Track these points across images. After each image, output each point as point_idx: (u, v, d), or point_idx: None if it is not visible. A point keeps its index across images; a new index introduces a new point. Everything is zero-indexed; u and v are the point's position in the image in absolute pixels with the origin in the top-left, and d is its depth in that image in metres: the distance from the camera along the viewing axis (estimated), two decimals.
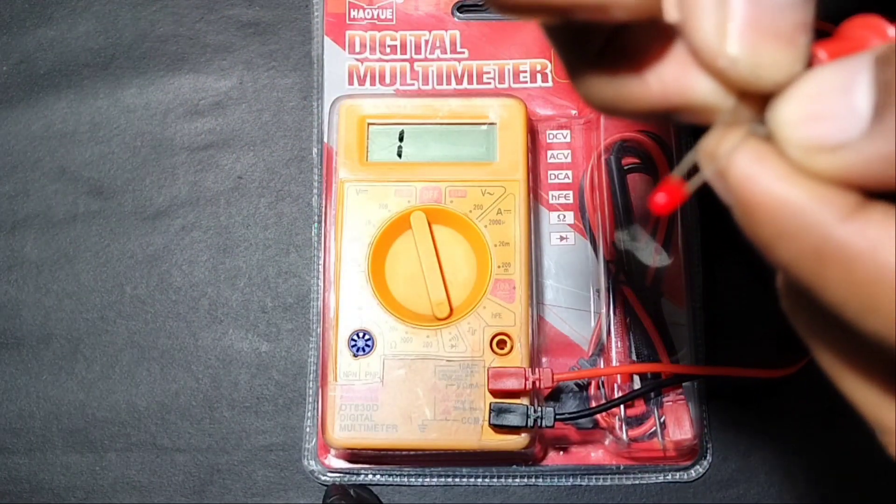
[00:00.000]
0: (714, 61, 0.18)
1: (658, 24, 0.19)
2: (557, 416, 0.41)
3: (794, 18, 0.18)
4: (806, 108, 0.18)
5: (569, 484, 0.45)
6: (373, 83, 0.49)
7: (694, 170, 0.19)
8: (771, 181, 0.18)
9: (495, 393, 0.42)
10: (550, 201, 0.47)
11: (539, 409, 0.41)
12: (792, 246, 0.18)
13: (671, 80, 0.19)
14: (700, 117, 0.19)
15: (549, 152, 0.48)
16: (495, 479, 0.45)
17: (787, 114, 0.18)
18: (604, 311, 0.45)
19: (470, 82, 0.49)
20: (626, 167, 0.46)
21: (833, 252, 0.17)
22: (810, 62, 0.18)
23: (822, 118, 0.17)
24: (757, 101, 0.18)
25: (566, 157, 0.48)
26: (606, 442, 0.45)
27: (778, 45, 0.18)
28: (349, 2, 0.50)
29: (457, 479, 0.45)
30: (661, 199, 0.19)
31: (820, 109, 0.17)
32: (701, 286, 0.46)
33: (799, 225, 0.17)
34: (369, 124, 0.46)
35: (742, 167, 0.18)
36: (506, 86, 0.49)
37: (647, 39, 0.19)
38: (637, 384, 0.44)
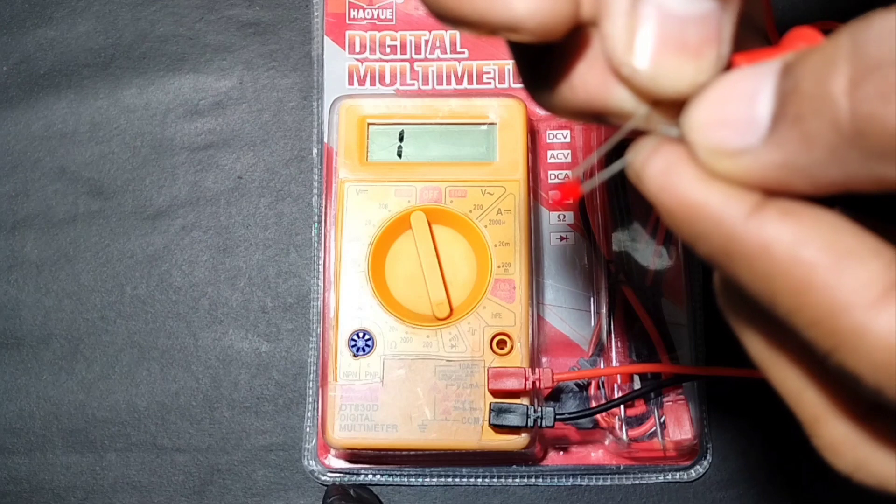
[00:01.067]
0: (619, 70, 0.19)
1: (576, 38, 0.20)
2: (557, 416, 0.41)
3: (701, 33, 0.18)
4: (712, 112, 0.18)
5: (569, 484, 0.45)
6: (373, 83, 0.49)
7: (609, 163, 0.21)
8: (682, 184, 0.19)
9: (495, 393, 0.42)
10: (550, 201, 0.47)
11: (539, 409, 0.41)
12: (706, 244, 0.19)
13: (593, 87, 0.20)
14: (623, 121, 0.20)
15: (549, 152, 0.48)
16: (495, 479, 0.45)
17: (696, 117, 0.19)
18: (604, 311, 0.45)
19: (470, 82, 0.49)
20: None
21: (737, 250, 0.18)
22: (730, 68, 0.19)
23: (725, 123, 0.18)
24: (673, 107, 0.19)
25: (566, 157, 0.48)
26: (606, 442, 0.45)
27: (682, 57, 0.18)
28: (349, 2, 0.50)
29: (457, 479, 0.45)
30: (555, 196, 0.20)
31: (724, 115, 0.18)
32: (701, 286, 0.46)
33: (707, 225, 0.18)
34: (369, 124, 0.46)
35: (656, 171, 0.19)
36: (506, 86, 0.49)
37: (573, 50, 0.20)
38: (637, 384, 0.44)
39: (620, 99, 0.20)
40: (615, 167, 0.21)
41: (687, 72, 0.19)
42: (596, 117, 0.21)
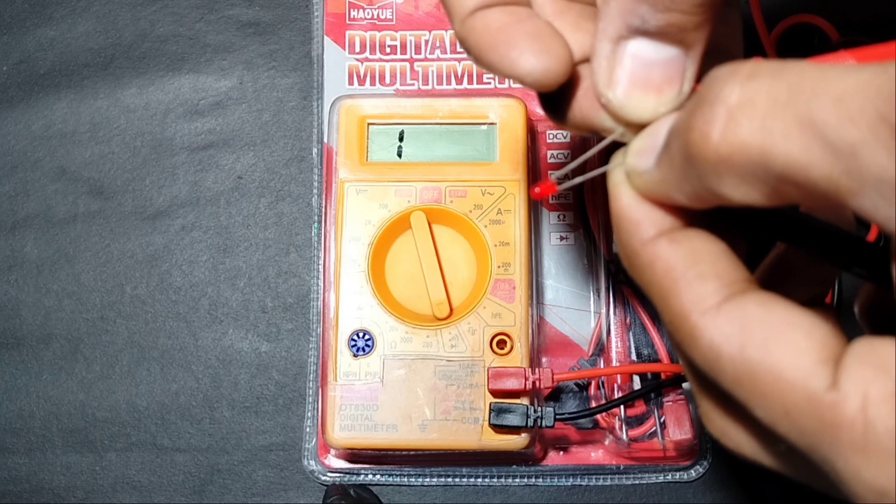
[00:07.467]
0: (600, 98, 0.25)
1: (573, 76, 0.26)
2: (557, 416, 0.41)
3: (665, 73, 0.24)
4: (639, 142, 0.24)
5: (569, 484, 0.45)
6: (373, 83, 0.49)
7: (576, 173, 0.27)
8: (620, 197, 0.24)
9: (495, 393, 0.42)
10: (550, 201, 0.47)
11: (539, 409, 0.41)
12: (620, 248, 0.24)
13: (586, 111, 0.26)
14: (608, 135, 0.26)
15: (549, 152, 0.48)
16: (495, 479, 0.45)
17: (633, 144, 0.24)
18: (604, 311, 0.45)
19: (470, 82, 0.49)
20: None
21: (635, 262, 0.24)
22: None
23: (642, 152, 0.24)
24: (643, 128, 0.24)
25: (566, 157, 0.48)
26: (606, 442, 0.45)
27: (646, 92, 0.24)
28: (349, 2, 0.50)
29: (457, 479, 0.45)
30: (536, 190, 0.26)
31: (642, 145, 0.24)
32: None
33: (623, 235, 0.24)
34: (369, 124, 0.46)
35: (611, 182, 0.24)
36: (506, 86, 0.49)
37: (572, 84, 0.26)
38: (637, 384, 0.44)
39: (603, 119, 0.25)
40: (594, 173, 0.26)
41: (649, 103, 0.24)
42: (589, 131, 0.26)
